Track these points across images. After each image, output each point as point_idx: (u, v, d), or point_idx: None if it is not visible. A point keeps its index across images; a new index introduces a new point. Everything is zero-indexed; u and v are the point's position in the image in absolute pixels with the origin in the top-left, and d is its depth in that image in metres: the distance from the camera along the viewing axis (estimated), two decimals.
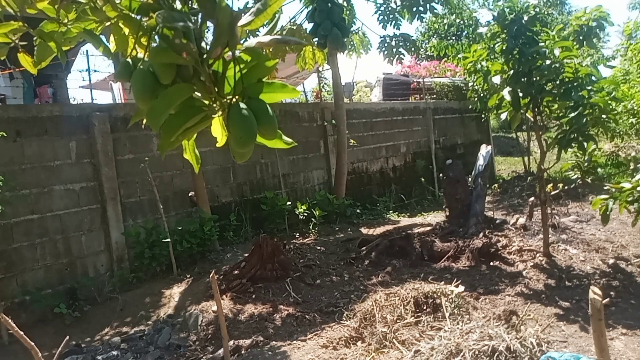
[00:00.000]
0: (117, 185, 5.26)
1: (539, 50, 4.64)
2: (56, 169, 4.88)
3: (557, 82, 4.53)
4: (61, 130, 4.92)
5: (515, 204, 8.26)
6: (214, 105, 1.05)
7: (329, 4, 6.71)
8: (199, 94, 1.06)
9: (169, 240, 5.08)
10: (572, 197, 7.57)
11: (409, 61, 12.32)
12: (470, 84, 10.38)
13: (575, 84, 4.33)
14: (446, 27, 12.82)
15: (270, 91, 1.06)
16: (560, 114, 4.58)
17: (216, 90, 1.02)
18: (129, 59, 1.04)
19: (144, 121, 1.14)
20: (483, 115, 10.52)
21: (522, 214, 7.04)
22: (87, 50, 6.82)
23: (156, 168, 5.49)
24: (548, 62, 4.47)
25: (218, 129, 1.18)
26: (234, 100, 1.03)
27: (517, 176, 10.42)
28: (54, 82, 8.13)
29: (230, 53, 1.05)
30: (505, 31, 4.71)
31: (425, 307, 3.65)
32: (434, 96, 10.93)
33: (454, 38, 16.40)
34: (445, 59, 11.60)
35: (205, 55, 0.99)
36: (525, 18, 4.64)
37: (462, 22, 11.22)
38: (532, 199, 6.59)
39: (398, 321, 3.51)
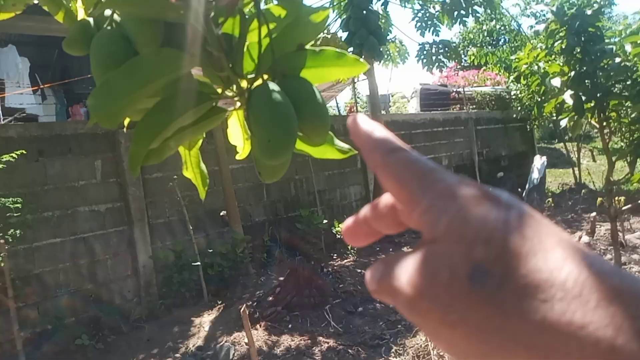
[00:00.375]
0: (144, 206, 4.98)
1: (604, 48, 4.13)
2: (80, 190, 4.62)
3: (629, 83, 4.00)
4: (86, 149, 4.68)
5: (570, 220, 7.60)
6: (228, 90, 0.65)
7: (364, 12, 6.37)
8: (202, 73, 0.66)
9: (199, 263, 4.74)
10: (632, 211, 6.89)
11: (446, 71, 11.86)
12: (513, 92, 9.84)
13: None
14: (485, 34, 12.28)
15: (319, 65, 0.63)
16: (633, 119, 4.04)
17: (230, 65, 0.62)
18: (89, 18, 0.65)
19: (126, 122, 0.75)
20: (528, 125, 9.91)
21: (579, 230, 6.43)
22: None
23: (185, 187, 5.18)
24: (617, 60, 3.96)
25: (237, 131, 0.76)
26: (259, 81, 0.63)
27: (568, 189, 9.70)
28: (87, 101, 8.03)
29: (253, 3, 0.65)
30: (564, 28, 4.22)
31: None
32: (474, 106, 10.40)
33: (489, 47, 15.84)
34: (485, 67, 11.09)
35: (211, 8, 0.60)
36: (588, 12, 4.15)
37: (502, 27, 10.69)
38: (593, 214, 5.97)
39: None
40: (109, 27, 0.60)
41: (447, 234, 0.22)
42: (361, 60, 0.64)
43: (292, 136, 0.58)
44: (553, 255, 0.20)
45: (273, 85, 0.59)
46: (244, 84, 0.64)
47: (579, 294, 0.19)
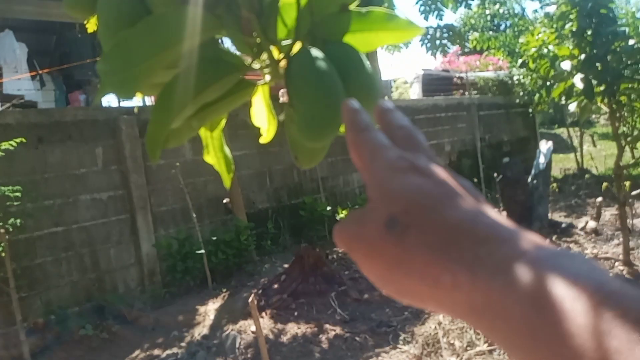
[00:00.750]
0: (147, 194, 4.90)
1: (617, 31, 4.03)
2: (81, 177, 4.54)
3: None
4: (86, 136, 4.58)
5: (573, 205, 7.54)
6: (256, 60, 0.57)
7: None
8: (228, 38, 0.58)
9: (203, 251, 4.68)
10: (637, 197, 6.83)
11: (448, 56, 11.73)
12: (516, 77, 9.73)
13: None
14: (488, 18, 12.11)
15: (365, 28, 0.55)
16: None
17: (261, 29, 0.54)
18: None
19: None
20: (530, 111, 9.81)
21: (583, 215, 6.38)
22: None
23: (188, 174, 5.11)
24: (631, 42, 3.86)
25: (262, 110, 0.66)
26: (297, 48, 0.55)
27: (570, 174, 9.63)
28: (87, 88, 7.90)
29: None
30: (576, 9, 4.12)
31: None
32: (476, 91, 10.30)
33: (491, 32, 15.63)
34: (487, 52, 10.94)
35: None
36: None
37: (506, 11, 10.53)
38: (599, 199, 5.91)
39: (468, 349, 2.99)
40: None
41: (377, 195, 0.29)
42: (415, 23, 0.56)
43: (340, 113, 0.51)
44: (448, 211, 0.27)
45: (316, 52, 0.51)
46: (275, 53, 0.56)
47: (456, 240, 0.25)
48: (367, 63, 0.54)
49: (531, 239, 0.25)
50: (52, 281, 4.31)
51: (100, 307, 4.41)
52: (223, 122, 0.66)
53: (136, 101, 7.12)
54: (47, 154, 4.36)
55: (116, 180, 4.77)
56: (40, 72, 6.55)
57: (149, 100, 5.40)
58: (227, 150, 0.68)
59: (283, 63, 0.54)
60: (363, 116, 0.34)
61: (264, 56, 0.54)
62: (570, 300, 0.21)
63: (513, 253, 0.24)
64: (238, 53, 0.57)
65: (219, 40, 0.58)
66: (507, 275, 0.23)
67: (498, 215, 0.27)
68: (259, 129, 0.72)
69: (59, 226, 4.39)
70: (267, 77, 0.56)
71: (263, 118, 0.69)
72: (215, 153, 0.68)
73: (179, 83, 0.47)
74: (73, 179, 4.50)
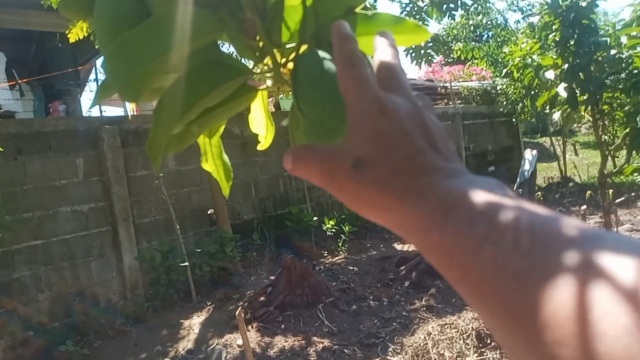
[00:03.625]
0: (129, 205, 4.80)
1: (599, 41, 4.08)
2: (62, 189, 4.43)
3: (624, 75, 3.95)
4: (67, 146, 4.48)
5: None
6: (259, 64, 0.54)
7: None
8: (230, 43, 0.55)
9: (187, 264, 4.60)
10: (623, 204, 6.92)
11: (432, 66, 11.85)
12: (499, 87, 9.85)
13: None
14: (471, 28, 12.26)
15: (372, 31, 0.52)
16: (628, 111, 3.99)
17: (265, 32, 0.51)
18: None
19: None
20: (514, 120, 9.93)
21: None
22: (95, 61, 6.45)
23: (172, 185, 5.03)
24: (613, 52, 3.91)
25: (260, 116, 0.64)
26: (302, 50, 0.52)
27: (554, 183, 9.75)
28: (66, 98, 7.77)
29: None
30: (558, 20, 4.16)
31: (489, 341, 3.08)
32: (461, 101, 10.40)
33: (473, 42, 15.84)
34: (470, 62, 11.07)
35: None
36: (583, 4, 4.09)
37: (489, 22, 10.67)
38: (583, 207, 5.96)
39: (458, 359, 2.95)
40: None
41: (350, 136, 0.34)
42: (423, 26, 0.53)
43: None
44: (399, 152, 0.32)
45: (323, 53, 0.48)
46: (278, 57, 0.52)
47: (398, 174, 0.31)
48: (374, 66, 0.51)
49: (457, 170, 0.31)
50: (31, 296, 4.18)
51: (81, 322, 4.29)
52: (222, 128, 0.63)
53: (118, 110, 7.00)
54: (26, 165, 4.25)
55: (97, 191, 4.67)
56: (19, 81, 6.42)
57: (131, 110, 5.31)
58: (225, 157, 0.65)
59: (287, 67, 0.51)
60: (353, 47, 0.37)
61: (267, 60, 0.51)
62: (462, 207, 0.28)
63: (432, 181, 0.30)
64: (238, 57, 0.54)
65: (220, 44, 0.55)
66: (424, 198, 0.29)
67: (444, 154, 0.32)
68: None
69: (38, 239, 4.27)
70: (269, 82, 0.52)
71: (261, 124, 0.66)
72: (214, 160, 0.65)
73: (180, 87, 0.45)
74: (53, 190, 4.39)
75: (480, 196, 0.28)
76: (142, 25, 0.41)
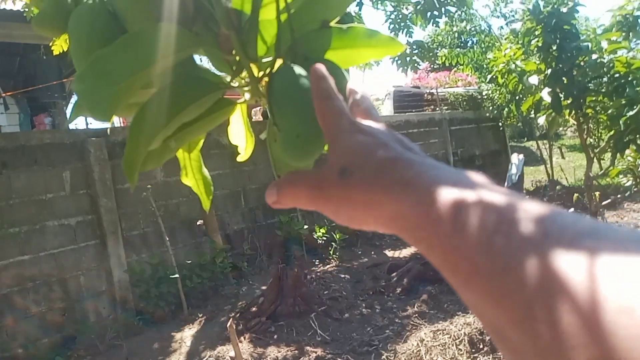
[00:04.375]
0: (117, 218, 4.75)
1: (580, 46, 4.15)
2: (48, 203, 4.39)
3: (606, 79, 4.02)
4: (53, 160, 4.44)
5: None
6: (236, 78, 0.54)
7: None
8: (207, 57, 0.55)
9: (177, 276, 4.56)
10: (609, 206, 6.99)
11: (418, 73, 11.93)
12: (485, 92, 9.94)
13: (629, 78, 3.81)
14: (455, 35, 12.38)
15: (347, 45, 0.54)
16: (611, 115, 4.05)
17: (240, 46, 0.51)
18: None
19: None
20: (500, 125, 10.01)
21: None
22: None
23: (160, 196, 4.99)
24: (594, 56, 3.98)
25: (240, 128, 0.65)
26: (277, 65, 0.53)
27: (541, 186, 9.83)
28: (52, 111, 7.71)
29: None
30: (540, 26, 4.23)
31: (482, 346, 3.09)
32: (447, 107, 10.48)
33: (458, 49, 16.00)
34: (456, 68, 11.16)
35: None
36: (564, 10, 4.16)
37: (473, 28, 10.78)
38: (571, 209, 6.01)
39: None
40: (90, 0, 0.49)
41: (333, 153, 0.37)
42: (396, 39, 0.55)
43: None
44: (379, 155, 0.34)
45: (299, 68, 0.49)
46: (255, 71, 0.53)
47: (381, 173, 0.33)
48: (349, 79, 0.52)
49: (441, 165, 0.33)
50: (19, 312, 4.12)
51: (70, 337, 4.23)
52: (201, 142, 0.63)
53: (105, 123, 6.95)
54: (12, 179, 4.20)
55: (85, 204, 4.62)
56: (3, 94, 6.36)
57: (118, 122, 5.28)
58: (205, 171, 0.65)
59: (263, 81, 0.52)
60: (328, 84, 0.40)
61: (244, 74, 0.51)
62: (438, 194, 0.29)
63: (418, 172, 0.32)
64: (216, 71, 0.54)
65: (197, 59, 0.55)
66: (412, 186, 0.31)
67: (417, 155, 0.35)
68: (234, 147, 0.70)
69: (25, 254, 4.21)
70: (247, 96, 0.53)
71: (241, 136, 0.67)
72: (194, 174, 0.66)
73: (156, 102, 0.45)
74: (40, 204, 4.34)
75: (468, 190, 0.28)
76: (115, 43, 0.41)
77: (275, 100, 0.47)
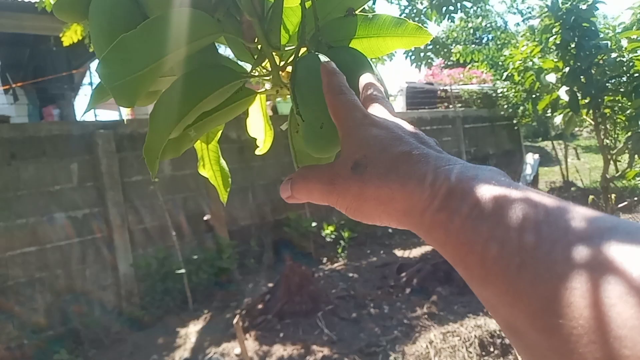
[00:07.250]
0: (124, 211, 4.73)
1: (599, 44, 4.03)
2: (56, 195, 4.36)
3: (625, 79, 3.91)
4: (61, 151, 4.42)
5: None
6: (258, 67, 0.50)
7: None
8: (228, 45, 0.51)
9: (183, 271, 4.52)
10: (623, 209, 6.86)
11: (432, 69, 11.82)
12: (500, 90, 9.81)
13: None
14: (470, 31, 12.22)
15: (373, 34, 0.51)
16: (629, 115, 3.94)
17: (263, 34, 0.47)
18: None
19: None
20: (515, 124, 9.88)
21: None
22: (89, 65, 6.39)
23: (167, 190, 4.96)
24: (613, 55, 3.86)
25: (259, 120, 0.62)
26: (301, 52, 0.47)
27: (556, 187, 9.70)
28: (61, 102, 7.70)
29: None
30: (559, 23, 4.12)
31: (492, 349, 3.02)
32: (461, 104, 10.36)
33: (473, 45, 15.79)
34: (470, 65, 11.02)
35: None
36: (583, 7, 4.05)
37: (488, 25, 10.64)
38: None
39: None
40: None
41: (346, 147, 0.36)
42: (425, 28, 0.49)
43: None
44: (393, 149, 0.33)
45: (323, 57, 0.43)
46: (277, 60, 0.48)
47: (396, 166, 0.32)
48: (375, 69, 0.47)
49: (457, 159, 0.32)
50: (26, 304, 4.11)
51: (75, 330, 4.22)
52: (219, 133, 0.62)
53: (113, 114, 6.92)
54: (20, 171, 4.18)
55: (92, 197, 4.60)
56: (13, 85, 6.36)
57: (126, 114, 5.26)
58: (223, 163, 0.61)
59: (285, 70, 0.47)
60: (339, 79, 0.40)
61: (265, 63, 0.46)
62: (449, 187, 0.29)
63: (432, 167, 0.31)
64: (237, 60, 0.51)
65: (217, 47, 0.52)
66: (427, 181, 0.30)
67: (432, 149, 0.34)
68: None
69: (32, 246, 4.20)
70: (267, 85, 0.48)
71: (259, 129, 0.63)
72: (212, 166, 0.64)
73: (177, 90, 0.44)
74: (47, 196, 4.32)
75: (485, 185, 0.28)
76: (138, 27, 0.40)
77: (299, 89, 0.45)
